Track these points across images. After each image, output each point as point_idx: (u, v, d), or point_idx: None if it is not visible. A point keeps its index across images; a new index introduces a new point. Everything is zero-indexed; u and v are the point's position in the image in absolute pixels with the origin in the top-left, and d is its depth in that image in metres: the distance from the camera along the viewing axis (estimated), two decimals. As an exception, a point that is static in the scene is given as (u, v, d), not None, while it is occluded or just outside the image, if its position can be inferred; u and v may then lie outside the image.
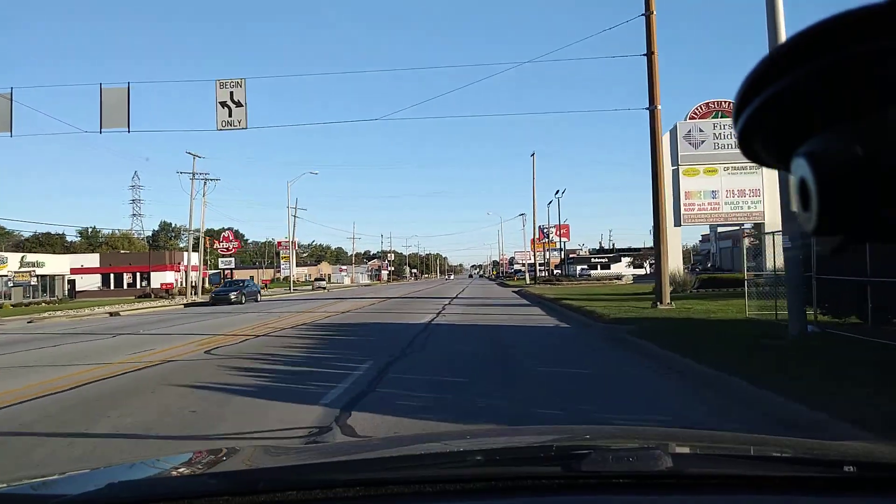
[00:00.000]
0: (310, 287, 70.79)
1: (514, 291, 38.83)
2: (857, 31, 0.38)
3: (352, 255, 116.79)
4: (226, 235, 74.62)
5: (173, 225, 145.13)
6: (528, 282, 51.21)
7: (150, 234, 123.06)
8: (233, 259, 74.33)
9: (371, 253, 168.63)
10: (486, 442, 2.14)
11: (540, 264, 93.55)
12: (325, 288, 68.27)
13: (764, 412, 5.54)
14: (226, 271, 75.22)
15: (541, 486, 1.27)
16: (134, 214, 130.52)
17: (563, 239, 72.96)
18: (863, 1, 0.37)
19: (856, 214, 0.41)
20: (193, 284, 50.63)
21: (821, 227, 0.42)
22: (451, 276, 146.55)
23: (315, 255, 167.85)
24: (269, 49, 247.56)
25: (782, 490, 1.23)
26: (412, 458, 1.75)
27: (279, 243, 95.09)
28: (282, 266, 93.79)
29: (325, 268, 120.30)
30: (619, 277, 52.13)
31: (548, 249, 72.83)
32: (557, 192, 51.22)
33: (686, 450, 1.73)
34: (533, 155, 49.59)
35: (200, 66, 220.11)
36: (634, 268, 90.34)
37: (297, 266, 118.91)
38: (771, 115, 0.45)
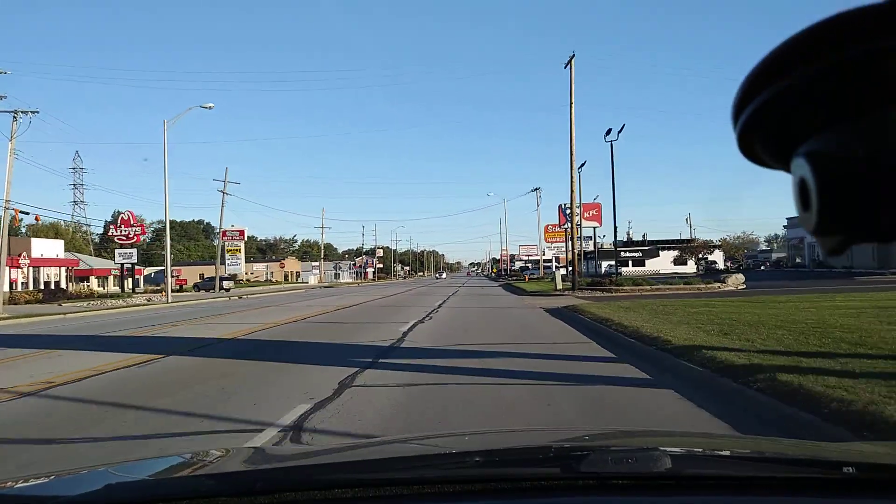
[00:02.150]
0: (221, 291, 48.41)
1: (552, 312, 16.59)
2: (857, 31, 0.37)
3: (321, 248, 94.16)
4: (125, 218, 52.45)
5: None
6: (558, 287, 28.75)
7: (100, 225, 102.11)
8: (134, 250, 52.28)
9: (363, 250, 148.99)
10: (485, 443, 2.03)
11: (546, 261, 71.42)
12: (226, 290, 47.15)
13: None
14: (125, 267, 53.26)
15: (540, 488, 1.22)
16: (75, 202, 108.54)
17: (594, 223, 49.66)
18: (863, 1, 0.36)
19: (856, 214, 0.39)
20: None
21: (821, 227, 0.40)
22: (444, 275, 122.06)
23: (302, 250, 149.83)
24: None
25: (782, 491, 1.19)
26: (410, 458, 1.69)
27: (223, 233, 73.04)
28: (227, 261, 71.99)
29: (292, 264, 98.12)
30: (716, 277, 29.63)
31: (580, 238, 49.71)
32: (608, 132, 28.54)
33: (685, 451, 1.60)
34: (571, 60, 27.15)
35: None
36: (675, 264, 68.13)
37: (258, 263, 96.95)
38: (770, 115, 0.43)
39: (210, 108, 31.49)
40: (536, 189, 57.51)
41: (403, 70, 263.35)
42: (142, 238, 52.58)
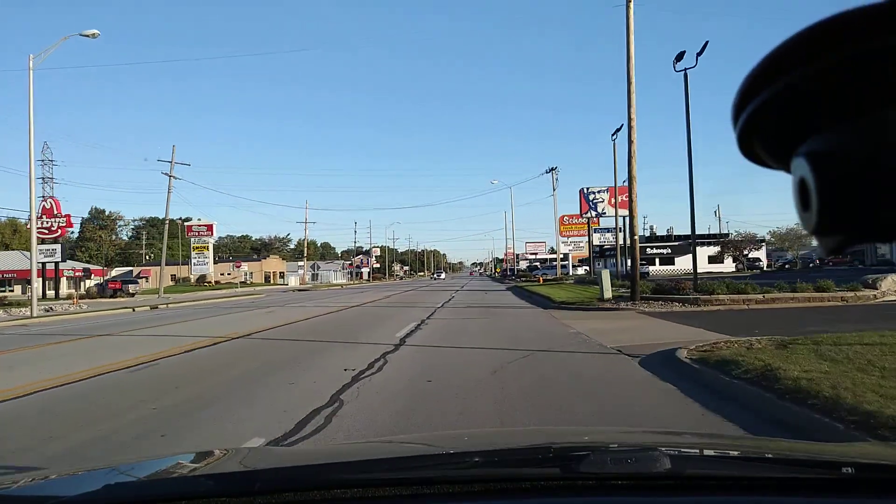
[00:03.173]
0: (123, 298, 38.86)
1: (668, 370, 6.84)
2: (857, 30, 0.37)
3: (305, 246, 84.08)
4: (47, 207, 42.37)
5: (107, 212, 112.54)
6: (606, 295, 18.57)
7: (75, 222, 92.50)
8: (59, 246, 42.37)
9: (363, 249, 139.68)
10: (484, 443, 2.01)
11: (562, 259, 60.99)
12: (131, 295, 38.92)
13: None
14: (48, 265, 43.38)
15: (539, 488, 1.21)
16: (44, 197, 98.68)
17: (624, 212, 38.50)
18: (863, 1, 0.36)
19: (856, 214, 0.39)
20: None
21: (821, 227, 0.40)
22: (442, 275, 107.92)
23: (298, 249, 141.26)
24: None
25: (781, 492, 1.18)
26: (409, 459, 1.68)
27: (189, 228, 63.21)
28: (193, 260, 62.07)
29: (275, 264, 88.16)
30: (862, 281, 19.25)
31: (612, 229, 40.01)
32: (680, 56, 18.61)
33: (684, 451, 1.59)
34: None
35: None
36: (711, 262, 58.00)
37: (224, 262, 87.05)
38: (771, 115, 0.43)
39: (94, 35, 21.64)
40: (552, 169, 47.00)
41: (403, 65, 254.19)
42: (68, 231, 42.83)
